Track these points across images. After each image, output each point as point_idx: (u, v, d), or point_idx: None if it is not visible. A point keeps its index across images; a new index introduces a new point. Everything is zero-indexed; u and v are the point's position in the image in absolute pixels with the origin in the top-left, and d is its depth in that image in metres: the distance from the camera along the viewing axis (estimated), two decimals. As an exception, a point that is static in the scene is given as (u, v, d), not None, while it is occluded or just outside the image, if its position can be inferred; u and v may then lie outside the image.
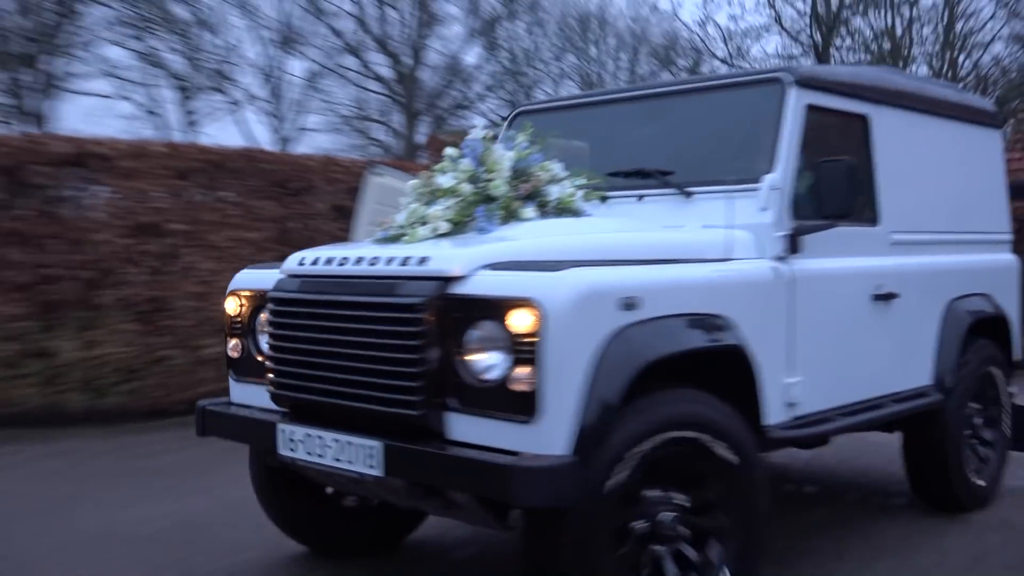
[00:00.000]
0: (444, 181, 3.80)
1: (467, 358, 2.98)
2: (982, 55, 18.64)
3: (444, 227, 3.64)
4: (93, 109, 25.22)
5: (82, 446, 6.89)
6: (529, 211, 3.73)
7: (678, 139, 4.30)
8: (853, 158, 3.69)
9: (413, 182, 3.92)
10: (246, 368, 3.89)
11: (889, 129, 4.38)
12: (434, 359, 3.02)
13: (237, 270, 4.14)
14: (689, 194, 3.84)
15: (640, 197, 4.00)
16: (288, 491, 4.06)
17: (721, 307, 3.34)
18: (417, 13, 25.17)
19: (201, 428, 3.95)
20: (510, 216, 3.68)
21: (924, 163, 4.64)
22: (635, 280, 3.09)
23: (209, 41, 26.00)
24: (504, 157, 3.81)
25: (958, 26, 18.60)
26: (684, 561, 3.17)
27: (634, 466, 2.96)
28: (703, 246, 3.57)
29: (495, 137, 3.98)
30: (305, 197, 8.69)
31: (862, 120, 4.26)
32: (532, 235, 3.45)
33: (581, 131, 4.67)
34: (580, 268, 2.96)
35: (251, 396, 3.83)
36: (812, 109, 3.91)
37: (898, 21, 19.04)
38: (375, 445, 3.06)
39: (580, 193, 3.89)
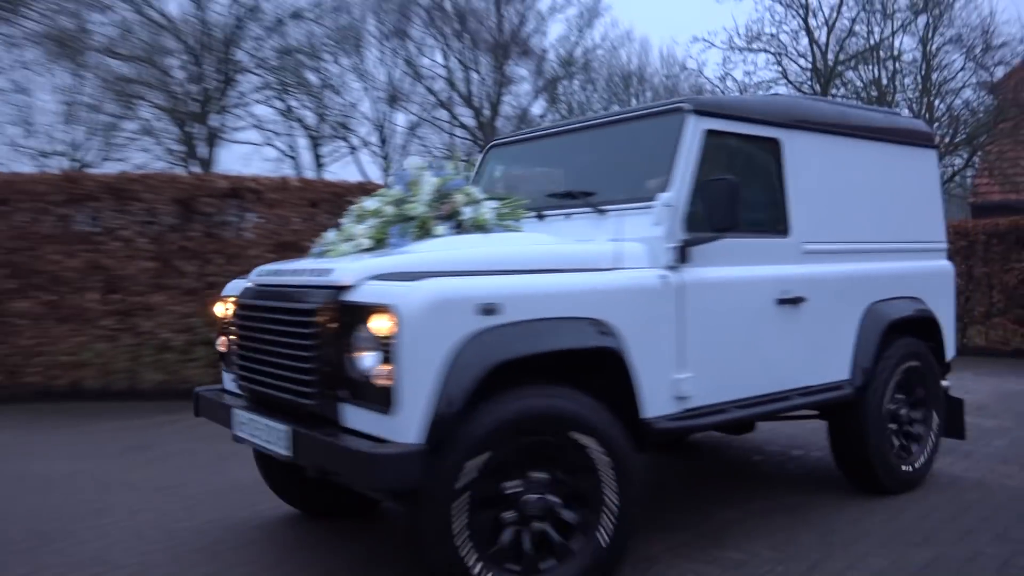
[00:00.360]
0: (369, 204, 3.64)
1: (352, 356, 2.81)
2: (954, 100, 18.00)
3: (366, 243, 3.49)
4: (245, 154, 25.83)
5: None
6: (442, 228, 3.51)
7: (605, 163, 4.06)
8: (736, 177, 3.32)
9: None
10: (228, 361, 3.78)
11: (802, 150, 4.04)
12: (327, 356, 2.88)
13: None
14: (603, 212, 3.60)
15: (568, 215, 3.77)
16: (278, 464, 3.73)
17: (596, 311, 3.09)
18: (494, 75, 25.26)
19: (196, 410, 3.83)
20: (425, 233, 3.49)
21: (844, 180, 4.26)
22: (494, 288, 2.85)
23: (333, 100, 26.34)
24: (427, 183, 3.61)
25: (934, 76, 18.01)
26: (554, 540, 2.92)
27: (491, 455, 2.76)
28: (594, 257, 3.33)
29: (430, 166, 3.80)
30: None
31: (774, 143, 3.95)
32: (431, 250, 3.25)
33: (543, 159, 4.53)
34: (437, 278, 2.78)
35: (231, 384, 3.77)
36: (713, 134, 3.62)
37: (883, 73, 18.49)
38: (285, 429, 2.95)
39: (493, 214, 3.65)
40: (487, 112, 25.59)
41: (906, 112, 17.34)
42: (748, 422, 4.88)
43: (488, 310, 2.78)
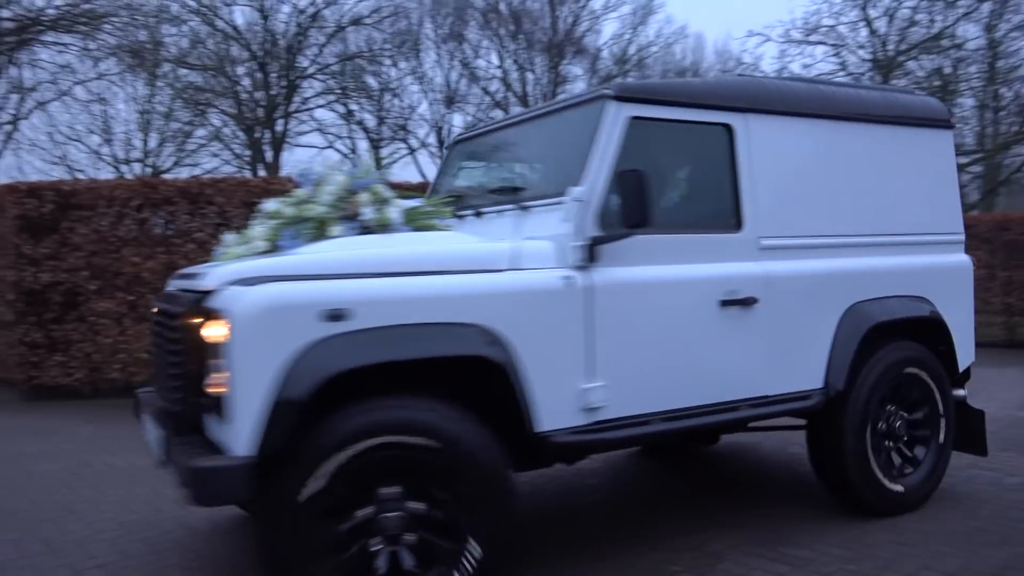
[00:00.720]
0: (268, 206, 3.48)
1: (207, 362, 2.62)
2: (1023, 87, 17.30)
3: (262, 246, 3.32)
4: (309, 158, 26.22)
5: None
6: (338, 229, 3.28)
7: (539, 157, 3.83)
8: (646, 169, 2.92)
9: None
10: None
11: (764, 136, 3.58)
12: (190, 362, 2.69)
13: None
14: (526, 208, 3.30)
15: (500, 212, 3.46)
16: None
17: (476, 316, 2.79)
18: (549, 74, 25.22)
19: (136, 411, 3.56)
20: (321, 235, 3.27)
21: (825, 168, 3.77)
22: (342, 293, 2.60)
23: (392, 103, 26.64)
24: (331, 183, 3.41)
25: (1000, 63, 17.32)
26: (422, 556, 2.71)
27: (336, 469, 2.55)
28: (489, 258, 2.99)
29: (342, 166, 3.60)
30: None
31: (725, 129, 3.50)
32: (313, 252, 2.99)
33: (497, 153, 4.16)
34: (278, 283, 2.58)
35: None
36: (639, 122, 3.23)
37: (947, 62, 17.85)
38: (160, 435, 2.86)
39: (401, 214, 3.39)
40: (542, 111, 25.62)
41: (970, 102, 16.74)
42: (711, 433, 4.68)
43: (335, 316, 2.56)
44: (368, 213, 3.37)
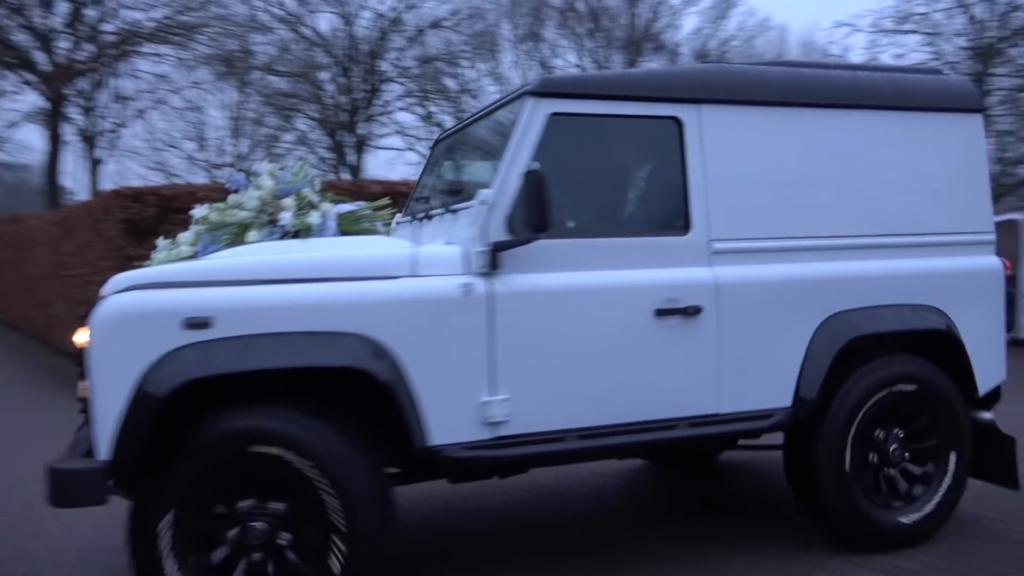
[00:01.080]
0: (196, 212, 3.49)
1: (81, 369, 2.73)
2: None
3: (187, 251, 3.33)
4: (389, 159, 26.73)
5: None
6: (254, 235, 3.29)
7: (479, 156, 3.66)
8: (544, 169, 2.77)
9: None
10: None
11: (721, 130, 3.23)
12: (80, 369, 2.76)
13: None
14: (454, 212, 3.10)
15: (442, 215, 3.27)
16: None
17: (354, 325, 2.67)
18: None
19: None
20: (240, 241, 3.30)
21: (805, 161, 3.35)
22: (204, 301, 2.56)
23: (471, 104, 26.88)
24: (258, 189, 3.44)
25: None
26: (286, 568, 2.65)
27: (201, 477, 2.57)
28: (386, 264, 2.83)
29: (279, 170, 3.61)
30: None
31: (673, 123, 3.17)
32: (215, 258, 2.97)
33: (454, 151, 3.98)
34: (137, 292, 2.58)
35: None
36: (562, 118, 2.98)
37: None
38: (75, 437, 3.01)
39: (320, 219, 3.39)
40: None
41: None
42: (703, 460, 4.46)
43: (196, 324, 2.53)
44: (286, 218, 3.35)
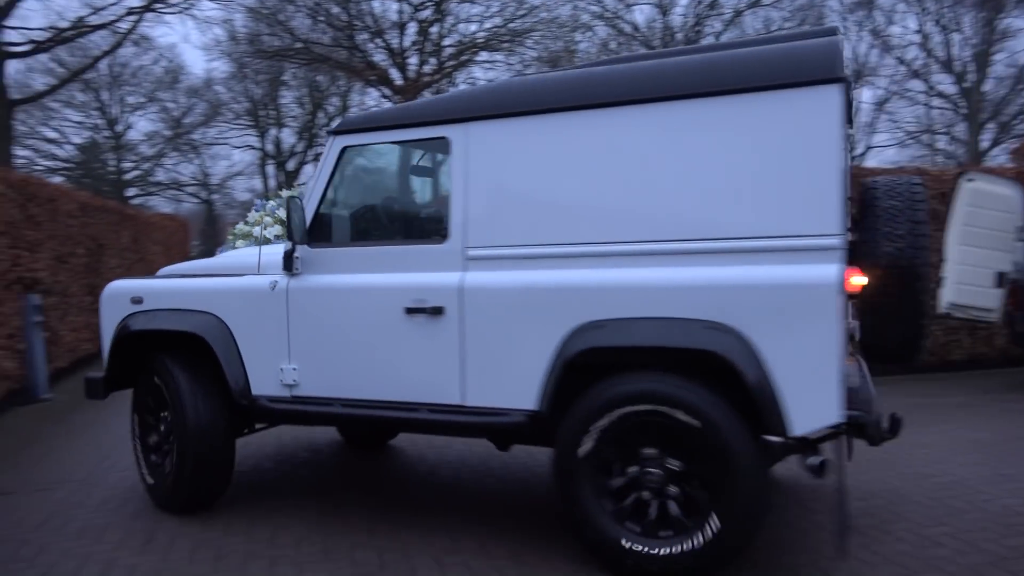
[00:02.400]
0: (237, 227, 5.40)
1: None
2: None
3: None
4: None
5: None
6: (240, 243, 4.63)
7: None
8: (346, 191, 4.01)
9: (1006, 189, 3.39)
10: None
11: (484, 144, 3.44)
12: None
13: None
14: None
15: None
16: None
17: (209, 307, 4.05)
18: (982, 32, 21.82)
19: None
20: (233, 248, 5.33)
21: (572, 168, 3.26)
22: (139, 288, 4.31)
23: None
24: (259, 208, 5.22)
25: None
26: None
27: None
28: (246, 264, 4.11)
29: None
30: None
31: (442, 142, 3.59)
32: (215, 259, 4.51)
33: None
34: (121, 280, 4.50)
35: None
36: (353, 149, 3.85)
37: None
38: None
39: (260, 231, 5.34)
40: (972, 76, 22.25)
41: None
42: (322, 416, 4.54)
43: (136, 300, 4.28)
44: (256, 231, 4.84)
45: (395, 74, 21.24)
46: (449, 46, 22.31)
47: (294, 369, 3.84)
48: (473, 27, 21.80)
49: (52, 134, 31.29)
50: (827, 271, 2.87)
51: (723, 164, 3.06)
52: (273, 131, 31.93)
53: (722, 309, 2.99)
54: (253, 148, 33.06)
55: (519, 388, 3.34)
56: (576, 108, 3.29)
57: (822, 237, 2.91)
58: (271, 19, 20.55)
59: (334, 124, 3.88)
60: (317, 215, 3.84)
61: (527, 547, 3.63)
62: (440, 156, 3.92)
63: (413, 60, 21.51)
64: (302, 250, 3.82)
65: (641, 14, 24.25)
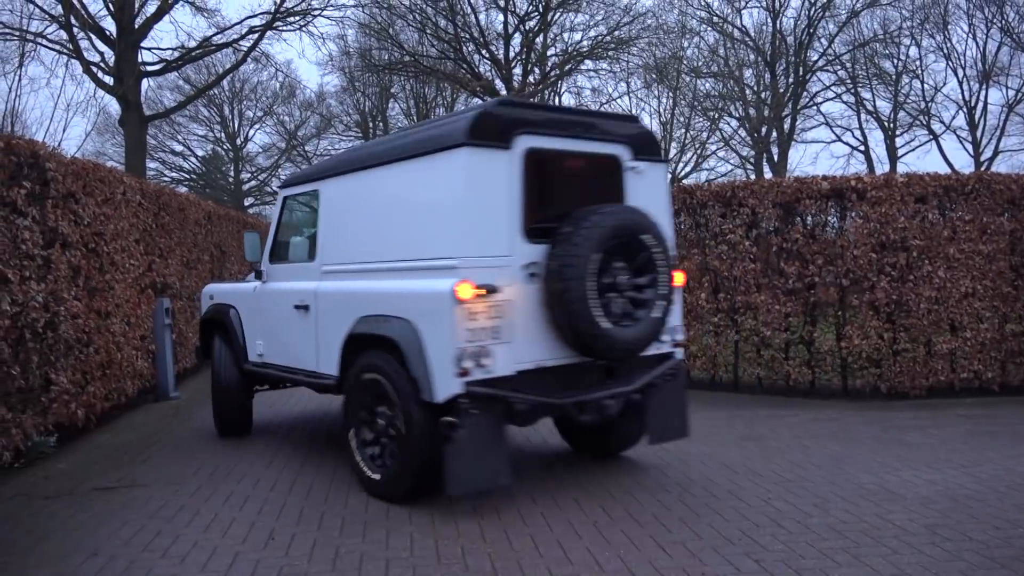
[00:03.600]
0: None
1: None
2: None
3: None
4: (812, 154, 25.26)
5: (839, 416, 6.84)
6: None
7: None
8: (288, 228, 6.06)
9: None
10: None
11: (331, 194, 5.19)
12: None
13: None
14: None
15: None
16: None
17: (235, 302, 6.24)
18: None
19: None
20: None
21: (360, 209, 4.89)
22: (214, 289, 6.67)
23: (911, 86, 24.15)
24: None
25: None
26: None
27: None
28: (251, 278, 6.27)
29: None
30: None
31: (317, 193, 5.36)
32: None
33: None
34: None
35: None
36: (289, 198, 5.87)
37: None
38: None
39: None
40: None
41: None
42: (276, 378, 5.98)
43: (210, 295, 6.67)
44: None
45: (500, 84, 21.49)
46: (553, 55, 22.38)
47: (261, 344, 5.85)
48: (577, 36, 21.81)
49: (178, 147, 33.30)
50: (446, 284, 4.05)
51: (413, 206, 4.42)
52: (381, 142, 32.76)
53: (406, 308, 4.30)
54: (362, 158, 34.09)
55: (333, 360, 4.85)
56: (348, 172, 5.01)
57: (448, 259, 4.15)
58: (382, 33, 21.17)
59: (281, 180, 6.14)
60: (274, 242, 5.86)
61: (640, 565, 3.56)
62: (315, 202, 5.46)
63: (518, 70, 21.70)
64: (266, 266, 5.89)
65: (750, 17, 23.63)
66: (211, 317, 6.40)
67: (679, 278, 4.76)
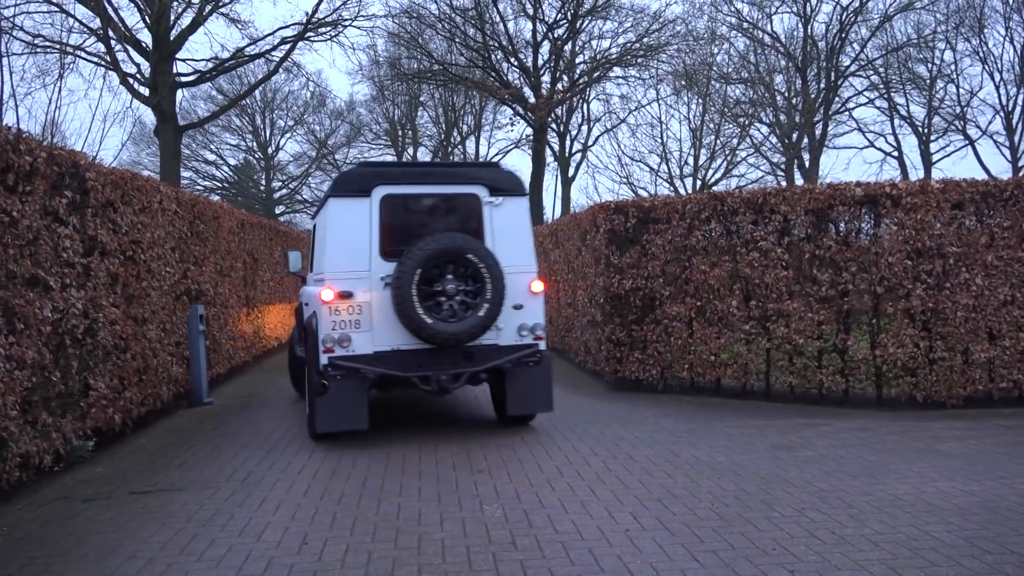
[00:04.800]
0: None
1: None
2: None
3: None
4: (845, 159, 24.97)
5: (874, 425, 6.74)
6: None
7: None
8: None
9: None
10: None
11: (324, 211, 6.62)
12: None
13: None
14: None
15: None
16: None
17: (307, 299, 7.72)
18: None
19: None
20: None
21: (315, 239, 7.32)
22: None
23: (947, 91, 23.77)
24: None
25: None
26: None
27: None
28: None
29: None
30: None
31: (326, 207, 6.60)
32: None
33: None
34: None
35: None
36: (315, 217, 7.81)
37: None
38: None
39: None
40: None
41: None
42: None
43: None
44: None
45: (529, 92, 21.54)
46: (582, 63, 22.39)
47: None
48: (606, 43, 21.80)
49: (211, 156, 33.82)
50: (318, 290, 6.20)
51: (319, 238, 6.63)
52: (410, 149, 33.07)
53: (313, 306, 6.40)
54: (391, 167, 34.35)
55: (312, 344, 6.37)
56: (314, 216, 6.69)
57: (322, 274, 6.26)
58: (411, 43, 21.33)
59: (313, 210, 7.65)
60: (312, 256, 7.23)
61: (672, 574, 3.54)
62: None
63: (546, 78, 21.74)
64: (308, 274, 7.44)
65: (781, 23, 23.47)
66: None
67: (537, 286, 6.40)
